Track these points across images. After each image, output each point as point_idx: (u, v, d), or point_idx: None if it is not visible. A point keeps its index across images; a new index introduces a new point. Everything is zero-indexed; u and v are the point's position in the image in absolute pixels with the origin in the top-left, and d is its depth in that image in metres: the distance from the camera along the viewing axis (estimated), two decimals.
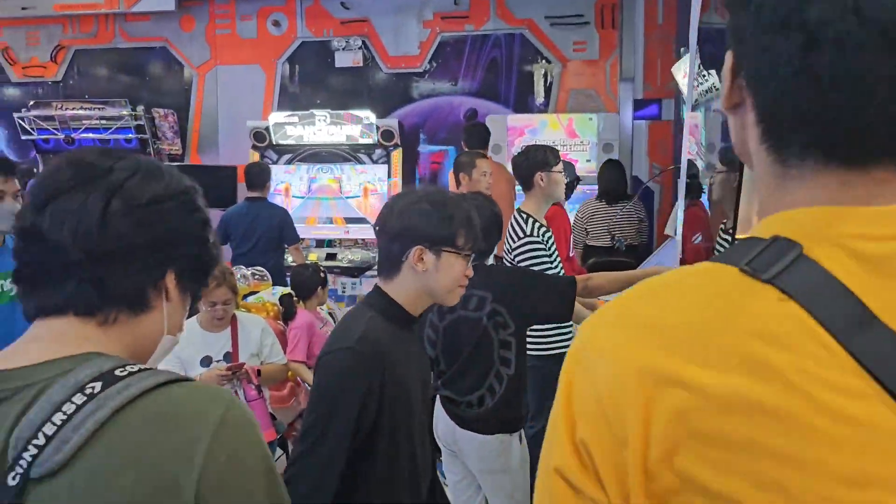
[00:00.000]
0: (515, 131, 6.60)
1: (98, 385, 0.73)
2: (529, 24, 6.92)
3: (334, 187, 6.87)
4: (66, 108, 6.93)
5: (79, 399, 0.72)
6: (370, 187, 6.81)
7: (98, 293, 0.81)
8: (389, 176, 6.73)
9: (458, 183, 4.10)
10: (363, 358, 1.56)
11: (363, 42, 7.14)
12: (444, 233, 1.67)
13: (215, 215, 7.15)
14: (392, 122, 6.68)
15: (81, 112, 6.90)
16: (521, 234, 3.15)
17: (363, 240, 6.79)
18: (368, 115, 6.65)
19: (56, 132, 6.90)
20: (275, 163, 6.83)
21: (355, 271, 6.60)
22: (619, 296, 0.64)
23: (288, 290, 3.82)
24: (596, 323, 0.60)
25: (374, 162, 6.79)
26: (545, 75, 6.98)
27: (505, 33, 6.99)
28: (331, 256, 6.69)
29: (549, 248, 3.14)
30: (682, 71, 3.26)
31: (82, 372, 0.75)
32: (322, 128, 6.74)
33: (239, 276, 3.66)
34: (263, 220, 5.32)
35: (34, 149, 7.24)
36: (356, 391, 1.53)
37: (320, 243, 6.84)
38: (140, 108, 6.91)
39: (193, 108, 7.47)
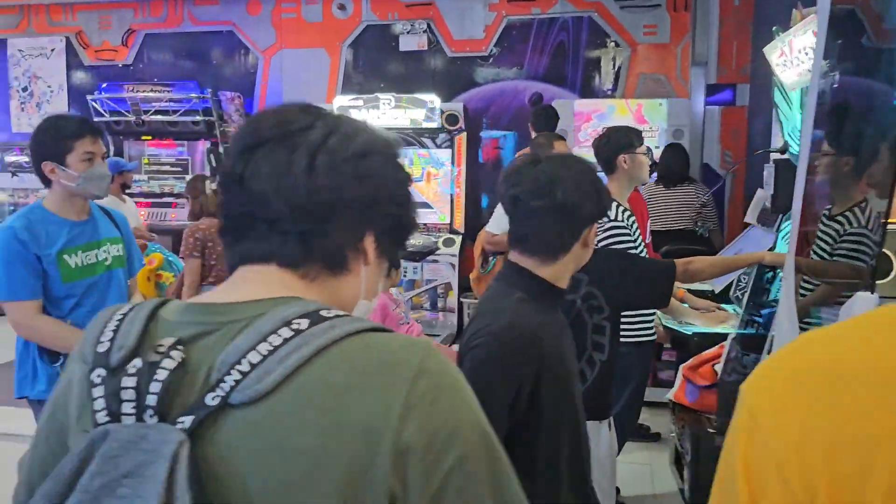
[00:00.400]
0: (582, 116, 6.46)
1: (305, 322, 0.73)
2: (598, 7, 6.76)
3: None
4: (137, 91, 7.05)
5: (285, 332, 0.72)
6: (433, 172, 6.77)
7: (301, 248, 0.80)
8: (453, 161, 6.68)
9: None
10: (515, 346, 1.41)
11: (428, 25, 7.08)
12: (603, 208, 1.58)
13: None
14: (457, 107, 6.61)
15: (151, 94, 7.02)
16: (606, 219, 3.06)
17: (425, 224, 6.76)
18: (433, 99, 6.60)
19: (127, 114, 7.03)
20: None
21: (417, 255, 6.57)
22: (784, 347, 0.57)
23: None
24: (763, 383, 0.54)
25: (438, 146, 6.74)
26: (613, 59, 6.82)
27: (573, 16, 6.85)
28: None
29: (634, 233, 3.05)
30: (779, 50, 3.11)
31: (289, 308, 0.75)
32: (386, 111, 6.72)
33: None
34: None
35: (106, 130, 7.39)
36: (510, 381, 1.39)
37: None
38: (208, 91, 6.98)
39: (258, 92, 7.53)
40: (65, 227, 2.30)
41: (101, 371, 0.75)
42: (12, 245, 2.21)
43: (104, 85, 7.30)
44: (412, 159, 6.78)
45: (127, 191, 5.54)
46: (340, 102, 6.73)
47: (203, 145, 7.27)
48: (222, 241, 0.85)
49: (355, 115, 6.66)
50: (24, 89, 8.19)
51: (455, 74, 7.12)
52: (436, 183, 6.77)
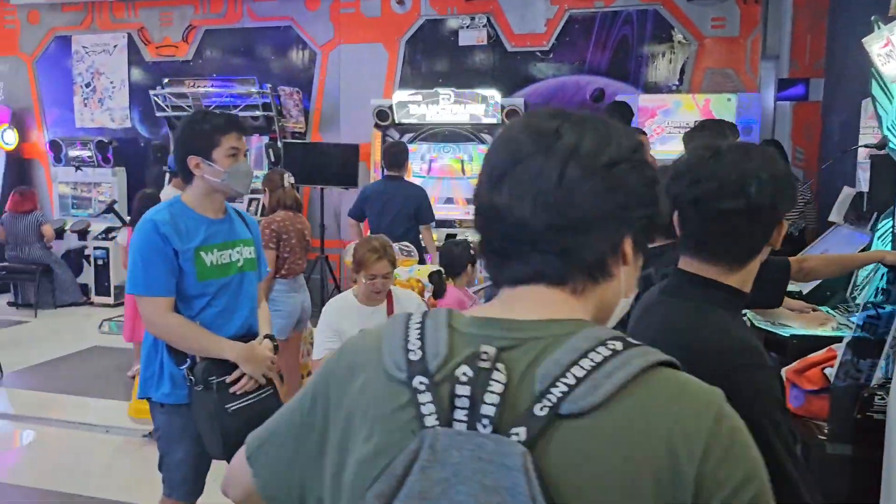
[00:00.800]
0: (646, 112, 6.30)
1: (619, 344, 0.76)
2: (664, 0, 6.59)
3: (456, 167, 6.78)
4: (198, 86, 7.11)
5: (604, 351, 0.75)
6: None
7: (564, 264, 0.82)
8: None
9: None
10: (769, 369, 1.23)
11: (487, 19, 6.99)
12: (794, 201, 1.42)
13: (340, 194, 7.25)
14: (517, 102, 6.51)
15: (212, 89, 7.06)
16: None
17: None
18: (494, 95, 6.50)
19: (188, 109, 7.09)
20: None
21: (476, 253, 6.49)
22: None
23: (436, 266, 3.74)
24: None
25: None
26: (679, 54, 6.64)
27: (637, 9, 6.68)
28: (451, 237, 6.59)
29: None
30: (883, 40, 2.94)
31: (598, 330, 0.78)
32: (445, 107, 6.65)
33: None
34: (399, 199, 5.27)
35: (166, 125, 7.47)
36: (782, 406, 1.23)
37: (440, 224, 6.76)
38: (267, 87, 6.99)
39: (316, 87, 7.53)
40: (203, 223, 2.22)
41: (423, 378, 0.77)
42: (153, 239, 2.13)
43: (166, 80, 7.38)
44: (471, 155, 6.70)
45: None
46: (400, 97, 6.68)
47: (252, 141, 7.29)
48: (485, 261, 0.87)
49: (414, 109, 6.63)
50: (87, 85, 8.34)
51: (514, 69, 7.02)
52: None
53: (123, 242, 5.13)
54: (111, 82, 8.23)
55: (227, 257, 2.27)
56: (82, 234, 7.70)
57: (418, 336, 0.81)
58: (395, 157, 5.45)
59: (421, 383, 0.77)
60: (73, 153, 8.00)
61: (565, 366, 0.74)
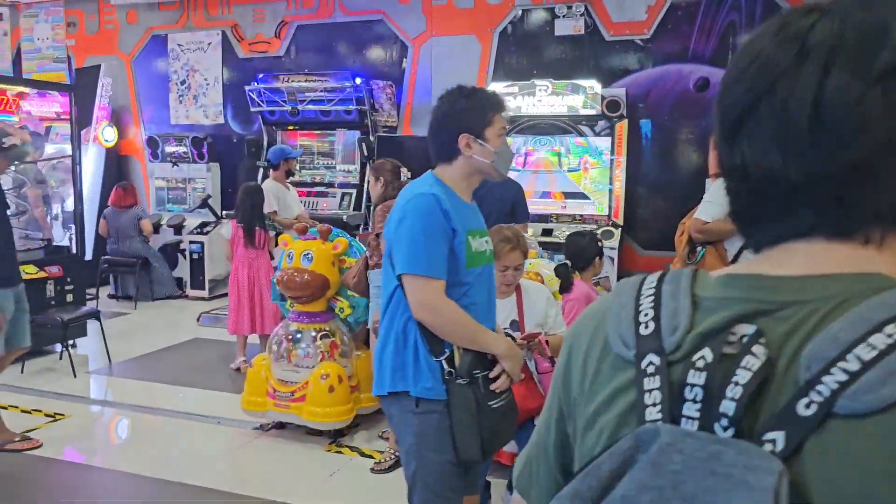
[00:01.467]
0: None
1: None
2: None
3: (553, 161, 6.59)
4: (292, 81, 7.13)
5: None
6: (592, 161, 6.46)
7: (846, 212, 0.60)
8: (613, 149, 6.34)
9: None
10: None
11: (585, 8, 6.78)
12: None
13: None
14: (619, 92, 6.28)
15: (306, 84, 7.08)
16: None
17: (581, 216, 6.47)
18: (593, 85, 6.29)
19: (283, 104, 7.13)
20: None
21: None
22: None
23: (561, 259, 3.58)
24: None
25: (597, 134, 6.42)
26: None
27: None
28: (546, 232, 6.42)
29: None
30: None
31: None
32: (542, 98, 6.48)
33: None
34: (495, 196, 5.12)
35: (260, 121, 7.53)
36: None
37: (536, 219, 6.58)
38: (360, 81, 6.96)
39: (407, 80, 7.47)
40: (462, 206, 2.02)
41: (654, 358, 0.61)
42: (435, 215, 1.90)
43: (260, 76, 7.44)
44: (568, 148, 6.50)
45: (290, 178, 5.56)
46: (495, 89, 6.52)
47: (344, 135, 7.27)
48: (737, 228, 0.68)
49: (511, 101, 6.48)
50: (183, 82, 8.50)
51: (613, 59, 6.78)
52: (594, 173, 6.46)
53: (228, 235, 5.15)
54: (205, 79, 8.37)
55: (482, 245, 2.07)
56: (177, 228, 7.85)
57: (651, 304, 0.65)
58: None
59: (650, 364, 0.61)
60: (168, 149, 8.17)
61: (847, 344, 0.52)
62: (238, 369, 5.10)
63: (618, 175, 6.35)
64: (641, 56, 6.72)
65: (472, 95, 2.03)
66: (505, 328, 2.87)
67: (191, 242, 7.67)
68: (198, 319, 6.65)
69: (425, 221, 1.90)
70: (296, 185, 7.13)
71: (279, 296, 4.12)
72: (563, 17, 6.84)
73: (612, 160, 6.36)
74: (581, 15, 6.77)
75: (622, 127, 6.30)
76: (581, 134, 6.46)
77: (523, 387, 2.73)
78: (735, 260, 3.29)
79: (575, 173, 6.54)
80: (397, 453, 2.85)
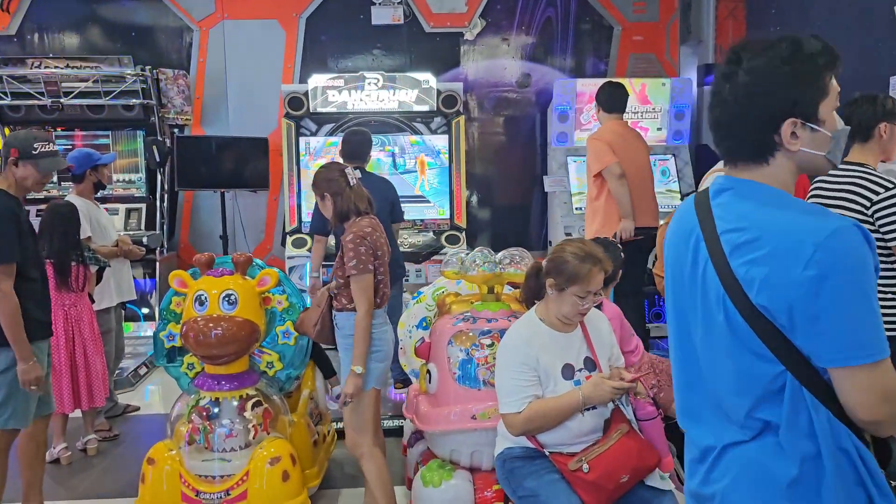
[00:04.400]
0: (584, 97, 6.04)
1: None
2: None
3: (385, 161, 5.99)
4: (47, 67, 5.51)
5: None
6: (428, 161, 5.99)
7: None
8: (450, 148, 5.94)
9: None
10: None
11: None
12: None
13: (248, 198, 5.95)
14: (455, 87, 5.90)
15: (68, 71, 5.51)
16: (888, 186, 2.65)
17: (422, 220, 5.98)
18: (428, 79, 5.82)
19: (40, 96, 5.46)
20: (314, 133, 5.85)
21: (418, 257, 5.78)
22: None
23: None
24: None
25: (433, 132, 5.97)
26: (603, 38, 6.48)
27: None
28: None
29: None
30: None
31: None
32: (371, 93, 5.83)
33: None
34: (377, 194, 4.43)
35: None
36: None
37: None
38: (145, 69, 5.61)
39: (195, 69, 6.25)
40: None
41: None
42: (867, 262, 1.21)
43: None
44: (403, 147, 5.95)
45: (100, 192, 4.21)
46: (317, 82, 5.73)
47: (124, 136, 5.82)
48: None
49: (335, 97, 5.74)
50: None
51: (433, 52, 6.38)
52: (431, 174, 6.00)
53: None
54: None
55: None
56: None
57: None
58: (357, 147, 4.60)
59: None
60: None
61: None
62: (58, 460, 3.71)
63: (457, 175, 5.97)
64: (463, 50, 6.42)
65: (797, 53, 1.28)
66: (580, 369, 2.33)
67: None
68: None
69: (861, 277, 1.19)
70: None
71: (164, 355, 3.01)
72: (380, 4, 6.25)
73: (450, 159, 5.96)
74: (399, 3, 6.25)
75: (460, 123, 5.93)
76: (416, 132, 5.96)
77: (632, 441, 2.21)
78: None
79: (411, 175, 6.02)
80: None
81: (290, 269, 5.69)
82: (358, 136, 4.69)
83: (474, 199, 6.42)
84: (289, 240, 5.73)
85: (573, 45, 6.47)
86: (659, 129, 6.15)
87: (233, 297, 2.75)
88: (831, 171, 2.78)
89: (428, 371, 2.84)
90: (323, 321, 2.75)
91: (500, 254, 2.91)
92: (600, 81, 6.08)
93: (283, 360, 2.98)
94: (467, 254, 2.89)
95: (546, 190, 6.07)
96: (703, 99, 6.34)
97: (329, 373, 3.41)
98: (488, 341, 2.71)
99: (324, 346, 3.08)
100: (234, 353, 2.76)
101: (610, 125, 4.58)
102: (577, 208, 5.95)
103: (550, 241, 6.18)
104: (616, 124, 4.60)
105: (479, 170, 6.41)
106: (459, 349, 2.74)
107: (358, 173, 2.93)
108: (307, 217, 5.83)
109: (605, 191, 4.33)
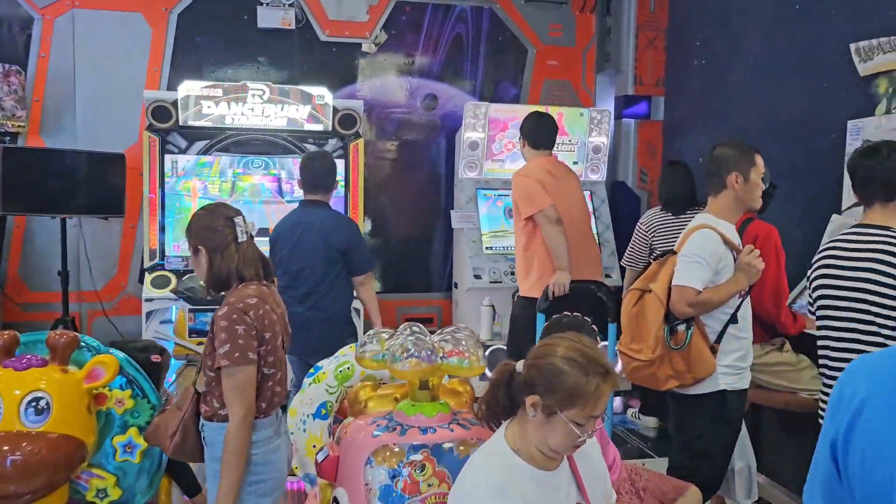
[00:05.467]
0: (497, 125, 5.45)
1: None
2: None
3: (269, 187, 5.11)
4: None
5: None
6: None
7: None
8: (347, 174, 5.15)
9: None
10: None
11: None
12: None
13: (99, 224, 4.85)
14: (355, 105, 5.13)
15: None
16: None
17: None
18: (323, 94, 5.02)
19: None
20: (183, 151, 4.90)
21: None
22: None
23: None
24: None
25: None
26: (517, 61, 5.93)
27: (472, 6, 5.79)
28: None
29: None
30: None
31: None
32: (255, 106, 4.96)
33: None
34: (318, 232, 3.64)
35: None
36: None
37: None
38: None
39: (33, 65, 5.11)
40: None
41: None
42: None
43: None
44: (290, 171, 5.10)
45: None
46: (189, 90, 4.79)
47: None
48: None
49: (210, 108, 4.82)
50: None
51: (328, 64, 5.59)
52: None
53: None
54: None
55: None
56: None
57: None
58: (319, 174, 3.79)
59: None
60: None
61: None
62: None
63: (354, 206, 5.18)
64: (362, 63, 5.67)
65: None
66: None
67: None
68: None
69: None
70: None
71: None
72: (268, 5, 5.39)
73: (346, 187, 5.16)
74: (291, 6, 5.42)
75: (359, 147, 5.16)
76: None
77: None
78: (720, 338, 2.53)
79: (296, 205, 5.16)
80: None
81: (149, 313, 4.69)
82: (318, 160, 3.87)
83: (371, 232, 5.65)
84: (147, 277, 4.73)
85: (484, 66, 5.87)
86: (575, 162, 5.63)
87: (44, 403, 1.84)
88: (848, 235, 2.39)
89: (335, 499, 2.03)
90: (185, 430, 1.89)
91: (435, 335, 2.16)
92: (516, 107, 5.55)
93: (123, 483, 2.07)
94: (391, 335, 2.13)
95: (453, 226, 5.40)
96: (621, 132, 5.91)
97: (193, 490, 2.50)
98: (420, 461, 1.95)
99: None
100: (44, 488, 1.84)
101: (539, 162, 3.99)
102: (487, 247, 5.32)
103: (456, 284, 5.51)
104: (546, 161, 4.02)
105: (375, 200, 5.64)
106: (382, 470, 1.96)
107: (253, 224, 2.10)
108: (174, 251, 4.86)
109: (538, 238, 3.69)
